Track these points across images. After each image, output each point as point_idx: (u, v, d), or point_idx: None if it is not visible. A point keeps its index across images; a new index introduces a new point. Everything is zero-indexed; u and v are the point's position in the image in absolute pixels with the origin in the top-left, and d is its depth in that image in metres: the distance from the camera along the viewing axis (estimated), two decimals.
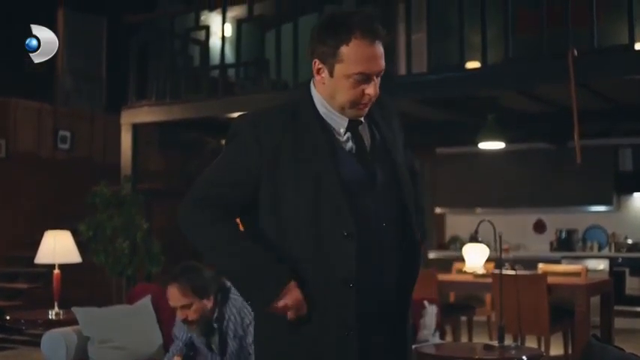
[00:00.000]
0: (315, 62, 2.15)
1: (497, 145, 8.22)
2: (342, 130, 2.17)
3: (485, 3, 6.66)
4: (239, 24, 8.28)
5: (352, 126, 2.18)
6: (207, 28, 8.43)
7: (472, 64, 7.06)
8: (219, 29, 8.55)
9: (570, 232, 10.20)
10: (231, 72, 9.04)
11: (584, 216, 10.22)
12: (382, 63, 2.11)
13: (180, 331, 3.90)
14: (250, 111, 2.28)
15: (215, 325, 3.64)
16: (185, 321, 3.63)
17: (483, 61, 6.71)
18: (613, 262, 9.68)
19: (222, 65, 8.30)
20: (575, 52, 5.98)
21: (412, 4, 7.11)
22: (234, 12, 9.02)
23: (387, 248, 2.16)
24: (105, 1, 10.49)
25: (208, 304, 3.61)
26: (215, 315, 3.64)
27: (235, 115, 8.00)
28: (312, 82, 2.22)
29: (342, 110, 2.16)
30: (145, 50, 8.90)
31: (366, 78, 2.10)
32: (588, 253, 10.01)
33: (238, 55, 8.38)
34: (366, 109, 2.17)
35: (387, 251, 2.16)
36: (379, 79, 2.14)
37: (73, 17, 10.64)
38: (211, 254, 2.20)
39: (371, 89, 2.11)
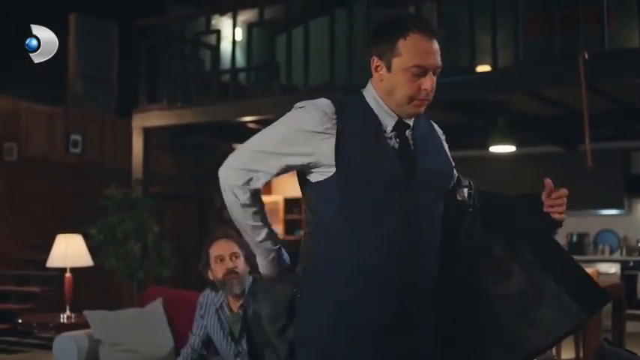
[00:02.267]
0: (373, 60, 2.19)
1: (508, 148, 8.20)
2: (389, 128, 2.18)
3: (495, 6, 6.65)
4: (250, 28, 8.29)
5: (399, 126, 2.20)
6: (217, 32, 8.45)
7: (482, 67, 7.05)
8: (229, 33, 8.57)
9: (582, 236, 10.16)
10: (242, 76, 9.06)
11: (595, 219, 10.18)
12: (439, 60, 2.19)
13: (197, 328, 3.89)
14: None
15: (240, 312, 3.64)
16: (232, 271, 3.59)
17: (494, 64, 6.69)
18: (624, 265, 9.64)
19: (233, 69, 8.32)
20: (587, 55, 5.96)
21: (422, 7, 7.11)
22: (245, 16, 9.04)
23: (421, 245, 2.17)
24: (116, 6, 10.53)
25: (247, 268, 3.63)
26: (242, 300, 3.63)
27: (246, 119, 8.08)
28: (369, 83, 2.25)
29: (398, 107, 2.18)
30: (155, 54, 8.93)
31: (422, 72, 2.15)
32: (600, 257, 9.97)
33: (249, 59, 8.41)
34: (422, 107, 2.20)
35: (422, 248, 2.17)
36: (436, 77, 2.20)
37: (84, 21, 10.70)
38: None
39: (428, 84, 2.16)
